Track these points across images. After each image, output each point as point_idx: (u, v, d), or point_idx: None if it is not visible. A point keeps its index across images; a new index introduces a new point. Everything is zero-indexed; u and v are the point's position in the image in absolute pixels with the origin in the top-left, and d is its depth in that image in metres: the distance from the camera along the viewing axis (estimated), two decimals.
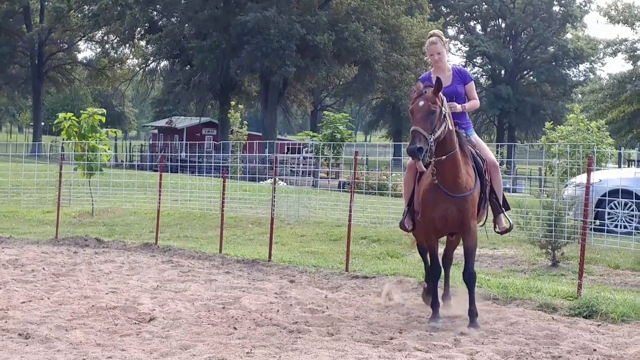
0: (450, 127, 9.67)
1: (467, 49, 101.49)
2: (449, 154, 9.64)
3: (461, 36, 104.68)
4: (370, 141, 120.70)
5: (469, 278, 10.11)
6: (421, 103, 9.47)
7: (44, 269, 14.06)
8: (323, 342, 9.15)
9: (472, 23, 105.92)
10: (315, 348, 8.88)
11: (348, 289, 12.95)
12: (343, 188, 32.04)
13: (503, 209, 10.66)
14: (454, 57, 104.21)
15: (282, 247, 17.43)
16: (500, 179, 10.54)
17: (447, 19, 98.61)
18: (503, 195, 10.74)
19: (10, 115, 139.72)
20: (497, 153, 26.03)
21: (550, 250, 15.51)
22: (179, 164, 32.76)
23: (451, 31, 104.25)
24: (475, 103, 10.72)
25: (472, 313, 9.95)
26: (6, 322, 9.68)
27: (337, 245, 17.76)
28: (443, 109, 9.55)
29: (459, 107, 10.32)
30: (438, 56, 10.67)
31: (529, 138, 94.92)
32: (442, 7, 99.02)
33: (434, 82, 9.68)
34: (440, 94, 9.60)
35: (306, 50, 65.25)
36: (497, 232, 10.93)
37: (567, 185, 17.61)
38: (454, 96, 10.37)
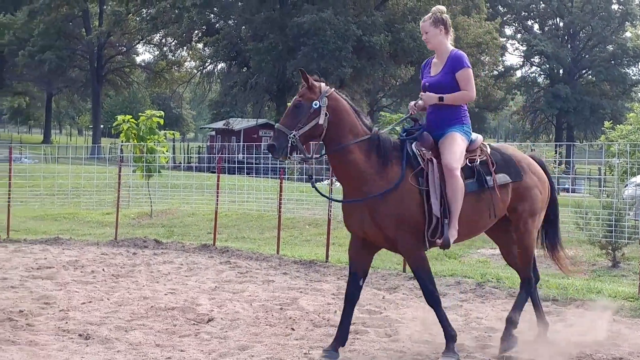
0: (321, 122, 8.32)
1: (524, 48, 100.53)
2: (334, 150, 8.43)
3: (519, 35, 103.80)
4: None
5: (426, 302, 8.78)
6: (294, 98, 8.60)
7: (103, 270, 14.18)
8: (381, 343, 9.14)
9: (529, 22, 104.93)
10: (373, 349, 8.87)
11: (406, 289, 12.90)
12: None
13: (446, 219, 8.45)
14: (511, 56, 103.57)
15: (340, 248, 17.39)
16: (455, 186, 8.42)
17: (505, 18, 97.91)
18: (455, 206, 8.47)
19: (70, 118, 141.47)
20: (555, 153, 25.70)
21: (610, 251, 15.34)
22: (236, 165, 32.90)
23: (508, 30, 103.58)
24: (463, 95, 8.82)
25: (447, 336, 8.55)
26: (67, 322, 9.78)
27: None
28: (316, 103, 8.39)
29: (433, 98, 8.84)
30: (425, 36, 9.15)
31: (588, 137, 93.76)
32: (499, 6, 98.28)
33: (430, 69, 9.07)
34: (318, 86, 8.56)
35: (362, 51, 65.25)
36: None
37: (627, 185, 17.38)
38: (439, 87, 8.88)
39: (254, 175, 31.13)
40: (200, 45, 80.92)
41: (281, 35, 66.31)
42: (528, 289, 9.29)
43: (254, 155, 54.00)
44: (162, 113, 24.88)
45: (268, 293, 12.23)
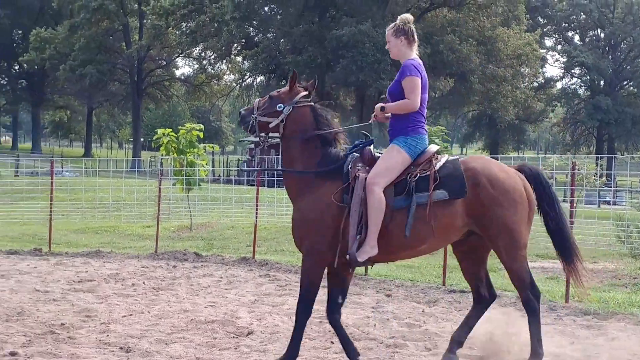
0: (273, 124, 8.85)
1: (565, 59, 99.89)
2: (282, 151, 9.02)
3: (559, 47, 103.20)
4: (466, 154, 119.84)
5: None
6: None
7: (144, 283, 14.27)
8: (421, 357, 9.12)
9: (570, 33, 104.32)
10: None
11: (445, 303, 12.87)
12: None
13: (358, 235, 8.29)
14: (552, 68, 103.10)
15: None
16: (371, 202, 8.24)
17: (545, 29, 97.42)
18: (371, 223, 8.26)
19: (111, 132, 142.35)
20: (596, 165, 25.52)
21: None
22: (275, 178, 32.89)
23: (549, 42, 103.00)
24: (405, 103, 8.59)
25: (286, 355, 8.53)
26: (108, 335, 9.84)
27: (434, 258, 17.64)
28: (280, 106, 8.86)
29: (377, 108, 8.81)
30: (388, 45, 9.02)
31: (630, 149, 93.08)
32: (540, 17, 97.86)
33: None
34: (296, 93, 8.94)
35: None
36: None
37: None
38: (390, 96, 8.84)
39: None
40: (239, 59, 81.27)
41: (320, 48, 66.41)
42: (532, 312, 8.72)
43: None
44: (202, 126, 24.97)
45: None
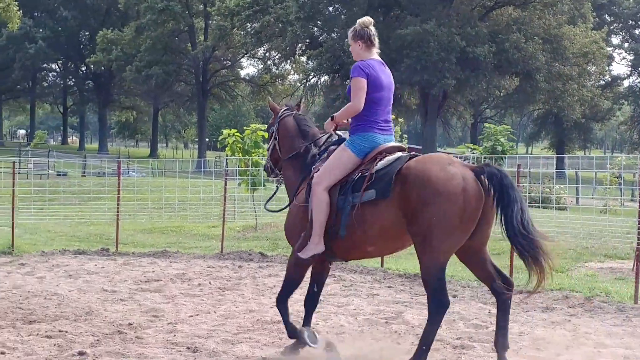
0: (272, 145, 9.81)
1: (632, 57, 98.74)
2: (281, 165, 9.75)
3: (626, 45, 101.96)
4: (531, 153, 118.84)
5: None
6: None
7: (210, 283, 14.34)
8: (487, 358, 9.05)
9: (637, 31, 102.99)
10: None
11: (512, 304, 12.73)
12: None
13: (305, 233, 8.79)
14: (618, 66, 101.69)
15: None
16: (313, 202, 8.60)
17: (611, 27, 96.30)
18: (314, 221, 8.61)
19: (176, 132, 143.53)
20: None
21: None
22: None
23: (615, 40, 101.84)
24: (346, 108, 8.77)
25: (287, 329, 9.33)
26: (175, 335, 9.91)
27: (500, 259, 17.42)
28: (271, 129, 9.86)
29: (327, 122, 9.09)
30: (350, 49, 9.11)
31: None
32: (606, 15, 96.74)
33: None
34: (277, 111, 9.86)
35: (466, 62, 64.84)
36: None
37: None
38: (346, 98, 8.88)
39: None
40: (303, 59, 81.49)
41: (384, 47, 65.81)
42: (433, 317, 8.09)
43: None
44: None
45: (373, 307, 12.21)
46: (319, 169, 8.82)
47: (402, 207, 8.11)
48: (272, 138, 9.78)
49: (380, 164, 8.46)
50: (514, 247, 8.29)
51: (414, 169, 8.15)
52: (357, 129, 8.75)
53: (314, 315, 10.48)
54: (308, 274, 9.23)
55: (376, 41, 9.01)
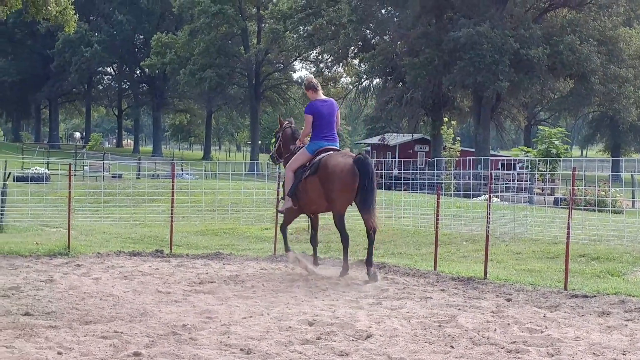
0: (277, 146, 17.02)
1: None
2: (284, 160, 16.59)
3: None
4: (586, 156, 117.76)
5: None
6: None
7: (263, 285, 14.36)
8: None
9: None
10: None
11: (567, 308, 12.61)
12: (559, 204, 31.36)
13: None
14: None
15: (498, 264, 17.14)
16: (285, 176, 15.91)
17: None
18: (287, 189, 15.64)
19: (229, 135, 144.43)
20: None
21: None
22: (392, 180, 32.93)
23: None
24: (301, 133, 16.21)
25: (284, 251, 17.46)
26: (228, 337, 9.95)
27: (555, 263, 17.33)
28: (278, 135, 17.08)
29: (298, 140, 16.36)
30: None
31: None
32: None
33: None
34: (282, 123, 17.03)
35: (519, 65, 64.39)
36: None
37: None
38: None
39: (410, 190, 30.96)
40: (356, 61, 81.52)
41: (437, 49, 66.08)
42: (345, 241, 15.39)
43: (410, 171, 53.95)
44: None
45: (426, 310, 12.15)
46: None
47: (321, 181, 14.78)
48: (278, 140, 16.73)
49: (317, 158, 15.00)
50: (359, 208, 14.89)
51: (324, 160, 14.78)
52: (311, 139, 15.47)
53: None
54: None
55: (319, 87, 15.51)
